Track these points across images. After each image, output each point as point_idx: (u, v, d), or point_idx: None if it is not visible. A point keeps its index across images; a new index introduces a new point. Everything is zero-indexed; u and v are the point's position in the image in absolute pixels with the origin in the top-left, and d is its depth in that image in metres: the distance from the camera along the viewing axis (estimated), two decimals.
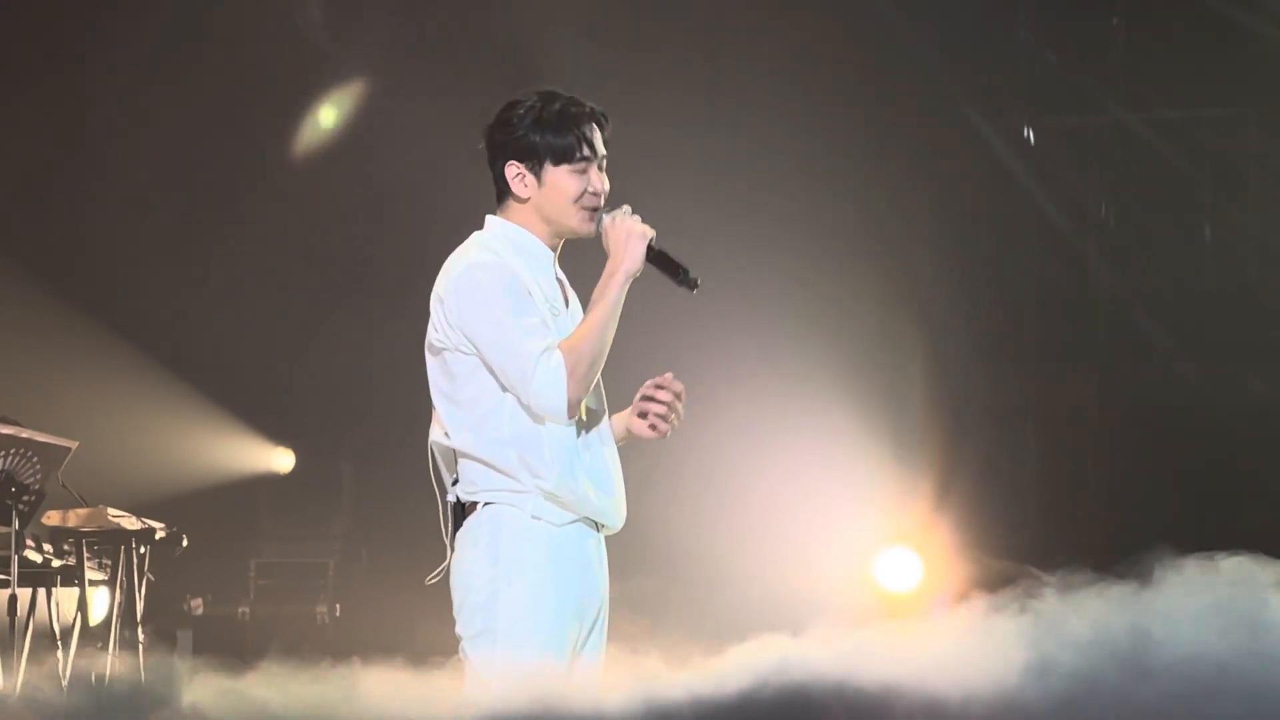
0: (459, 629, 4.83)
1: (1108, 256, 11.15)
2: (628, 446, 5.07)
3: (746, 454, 10.64)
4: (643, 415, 5.04)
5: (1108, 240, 11.16)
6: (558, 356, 4.72)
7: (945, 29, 11.16)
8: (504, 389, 4.80)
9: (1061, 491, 11.06)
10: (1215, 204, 10.99)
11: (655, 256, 4.90)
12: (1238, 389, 10.68)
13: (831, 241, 11.02)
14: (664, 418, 5.02)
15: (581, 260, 5.10)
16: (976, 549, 10.64)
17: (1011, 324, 11.20)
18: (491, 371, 4.80)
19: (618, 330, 4.85)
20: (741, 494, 10.62)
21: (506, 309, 4.77)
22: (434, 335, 4.89)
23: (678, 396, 5.03)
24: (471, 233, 4.99)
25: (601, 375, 4.94)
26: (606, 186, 4.94)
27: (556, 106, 4.89)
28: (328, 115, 11.80)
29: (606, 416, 4.99)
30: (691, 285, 4.91)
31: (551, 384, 4.70)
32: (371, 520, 11.82)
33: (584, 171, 4.89)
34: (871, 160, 11.10)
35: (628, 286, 4.84)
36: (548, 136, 4.87)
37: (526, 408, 4.76)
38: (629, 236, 4.84)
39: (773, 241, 10.98)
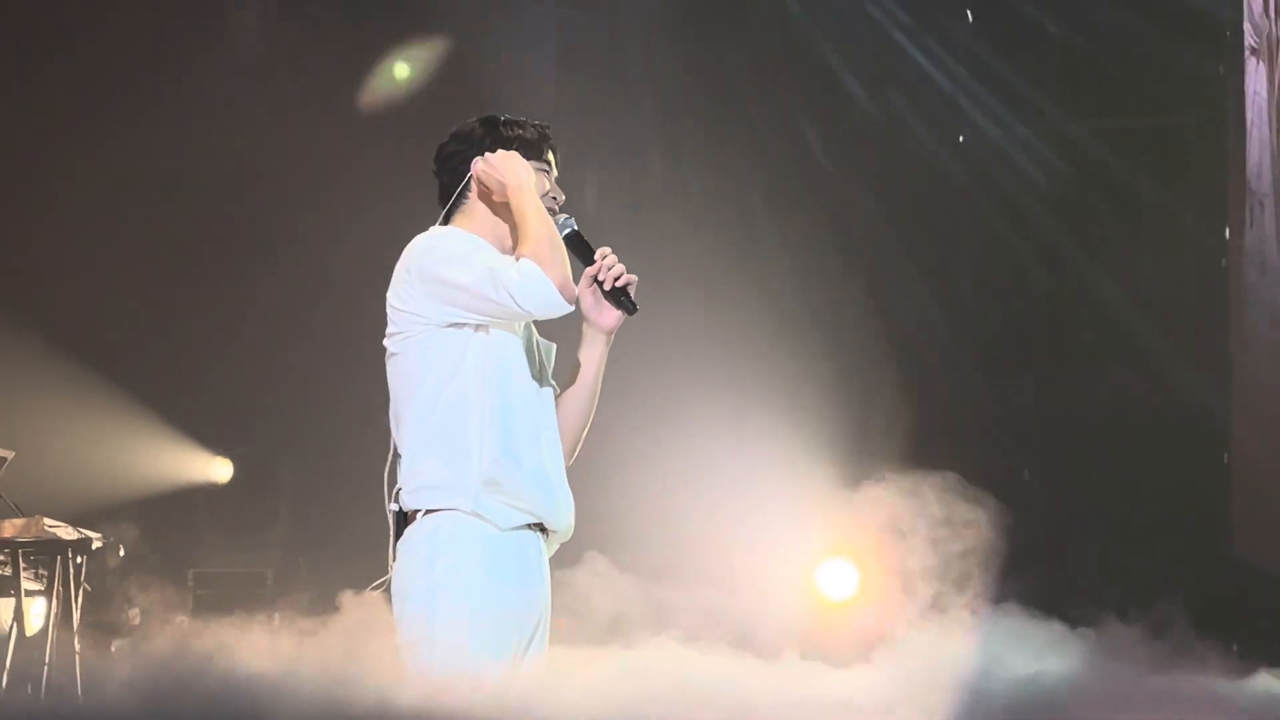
0: (398, 637, 4.84)
1: (1051, 267, 11.20)
2: (576, 463, 5.09)
3: (692, 464, 10.67)
4: (604, 296, 5.10)
5: (1050, 251, 11.20)
6: (524, 261, 4.81)
7: (889, 41, 11.23)
8: (451, 375, 4.86)
9: (996, 502, 11.09)
10: (1157, 212, 11.06)
11: (572, 239, 5.05)
12: (1181, 394, 10.74)
13: (778, 259, 11.07)
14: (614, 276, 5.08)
15: None
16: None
17: (948, 336, 11.24)
18: (468, 315, 4.84)
19: (562, 354, 4.95)
20: (686, 503, 10.64)
21: (471, 251, 4.90)
22: (391, 330, 4.95)
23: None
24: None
25: (553, 376, 5.01)
26: (563, 198, 5.09)
27: (523, 119, 5.12)
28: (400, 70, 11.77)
29: (555, 427, 5.01)
30: (630, 311, 5.07)
31: (533, 280, 4.78)
32: (310, 529, 11.79)
33: (547, 174, 5.07)
34: (822, 176, 11.16)
35: (533, 192, 4.94)
36: (521, 136, 5.06)
37: (524, 314, 4.84)
38: (508, 161, 4.97)
39: (714, 256, 11.02)
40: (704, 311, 10.88)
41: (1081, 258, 11.10)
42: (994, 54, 11.18)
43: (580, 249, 5.05)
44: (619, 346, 5.19)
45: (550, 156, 5.11)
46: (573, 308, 4.89)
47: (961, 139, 11.25)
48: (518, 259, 4.83)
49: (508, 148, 5.03)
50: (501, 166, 4.97)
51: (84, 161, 11.40)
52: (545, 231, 4.87)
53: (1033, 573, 10.50)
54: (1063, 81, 11.09)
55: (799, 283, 11.02)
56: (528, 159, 5.02)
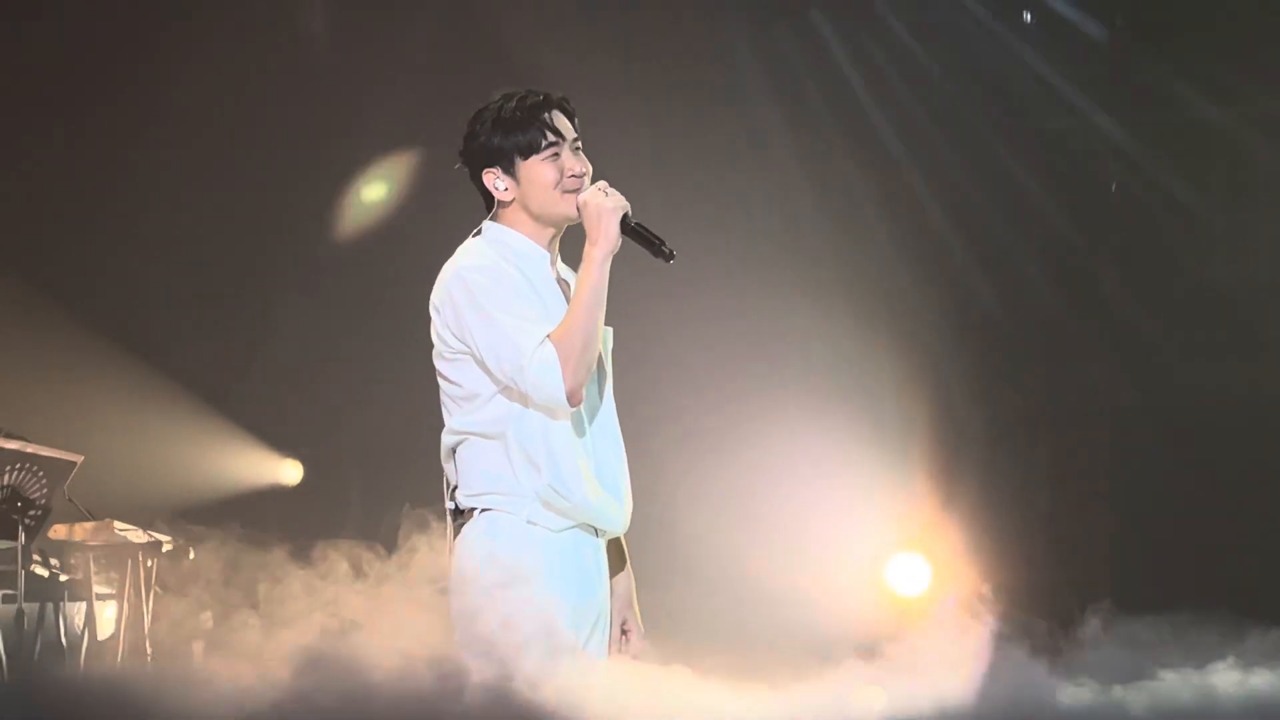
0: (456, 635, 4.84)
1: (1117, 258, 11.12)
2: (635, 455, 5.05)
3: (759, 462, 10.63)
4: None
5: (1116, 241, 11.13)
6: (549, 347, 4.72)
7: (941, 32, 11.18)
8: (492, 394, 4.83)
9: (1070, 495, 11.03)
10: (1225, 203, 10.97)
11: (631, 230, 4.90)
12: (1248, 388, 10.65)
13: (839, 249, 11.01)
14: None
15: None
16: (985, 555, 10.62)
17: (1018, 327, 11.17)
18: (488, 370, 4.80)
19: (630, 346, 4.88)
20: (755, 501, 10.61)
21: (498, 306, 4.79)
22: (435, 342, 4.93)
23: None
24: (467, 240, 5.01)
25: (612, 375, 4.95)
26: (587, 168, 4.95)
27: (514, 102, 4.92)
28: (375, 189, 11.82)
29: (614, 415, 4.97)
30: (667, 257, 4.90)
31: (547, 374, 4.71)
32: (380, 532, 11.78)
33: (556, 156, 4.91)
34: (879, 165, 11.10)
35: (609, 264, 4.83)
36: (511, 134, 4.90)
37: (527, 400, 4.78)
38: (601, 213, 4.84)
39: (780, 248, 10.97)
40: (772, 303, 10.83)
41: (1153, 247, 11.01)
42: (1063, 44, 11.10)
43: (645, 240, 4.91)
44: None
45: (551, 131, 4.89)
46: (573, 409, 4.79)
47: (1029, 128, 11.18)
48: (548, 336, 4.74)
49: (501, 138, 4.88)
50: (589, 218, 4.85)
51: (152, 162, 11.42)
52: (586, 325, 4.75)
53: (1107, 565, 10.45)
54: (1130, 72, 11.01)
55: (872, 274, 10.96)
56: (526, 153, 4.87)
